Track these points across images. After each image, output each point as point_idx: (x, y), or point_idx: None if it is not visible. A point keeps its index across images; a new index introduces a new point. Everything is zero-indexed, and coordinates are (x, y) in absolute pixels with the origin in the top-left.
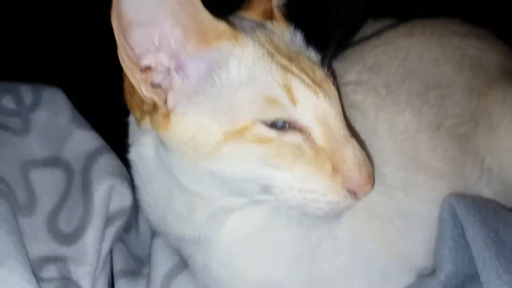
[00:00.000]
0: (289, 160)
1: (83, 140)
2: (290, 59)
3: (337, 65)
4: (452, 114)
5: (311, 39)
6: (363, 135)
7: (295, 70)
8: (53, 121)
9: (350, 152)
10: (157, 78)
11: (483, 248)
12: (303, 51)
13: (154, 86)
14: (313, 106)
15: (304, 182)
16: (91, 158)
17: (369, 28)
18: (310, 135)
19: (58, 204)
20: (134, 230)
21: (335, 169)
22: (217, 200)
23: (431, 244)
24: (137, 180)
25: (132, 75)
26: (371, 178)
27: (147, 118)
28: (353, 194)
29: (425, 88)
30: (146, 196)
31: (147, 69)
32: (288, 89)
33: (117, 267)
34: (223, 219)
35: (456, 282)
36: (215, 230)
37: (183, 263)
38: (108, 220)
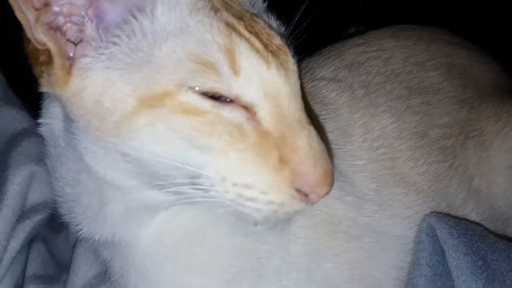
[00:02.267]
0: (224, 141)
1: (10, 118)
2: (240, 18)
3: (312, 60)
4: (438, 123)
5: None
6: (333, 136)
7: (243, 31)
8: None
9: (304, 142)
10: (67, 31)
11: (468, 279)
12: (262, 14)
13: (51, 28)
14: (261, 78)
15: (240, 173)
16: (14, 140)
17: (352, 31)
18: (255, 114)
19: None
20: (64, 230)
21: (283, 161)
22: (135, 192)
23: (403, 270)
24: (48, 162)
25: (20, 10)
26: (329, 178)
27: (45, 75)
28: (304, 195)
29: (409, 93)
30: (55, 182)
31: (44, 5)
32: (230, 54)
33: (30, 270)
34: (145, 219)
35: None
36: (134, 232)
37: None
38: (24, 213)
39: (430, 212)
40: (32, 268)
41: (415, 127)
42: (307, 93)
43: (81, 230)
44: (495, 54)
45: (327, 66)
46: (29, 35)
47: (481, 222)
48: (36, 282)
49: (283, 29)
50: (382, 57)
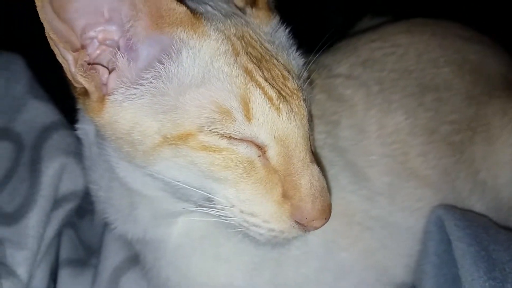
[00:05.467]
0: (237, 174)
1: (39, 112)
2: (259, 61)
3: (328, 56)
4: (448, 120)
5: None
6: (349, 133)
7: (259, 78)
8: (7, 89)
9: (306, 180)
10: (101, 54)
11: (471, 268)
12: (281, 51)
13: (88, 68)
14: (271, 124)
15: (247, 203)
16: (44, 133)
17: (366, 23)
18: (265, 152)
19: (2, 180)
20: (89, 216)
21: (286, 196)
22: (161, 201)
23: (412, 258)
24: (85, 163)
25: (60, 54)
26: (325, 213)
27: (81, 101)
28: (302, 225)
29: (421, 89)
30: (90, 184)
31: (81, 48)
32: (246, 104)
33: (63, 255)
34: (173, 221)
35: None
36: (164, 231)
37: (136, 257)
38: (56, 203)
39: (439, 204)
40: (65, 253)
41: (426, 123)
42: (324, 90)
43: (115, 228)
44: (506, 43)
45: (343, 63)
46: (69, 76)
47: (486, 212)
48: (70, 266)
49: (303, 59)
50: (397, 53)
